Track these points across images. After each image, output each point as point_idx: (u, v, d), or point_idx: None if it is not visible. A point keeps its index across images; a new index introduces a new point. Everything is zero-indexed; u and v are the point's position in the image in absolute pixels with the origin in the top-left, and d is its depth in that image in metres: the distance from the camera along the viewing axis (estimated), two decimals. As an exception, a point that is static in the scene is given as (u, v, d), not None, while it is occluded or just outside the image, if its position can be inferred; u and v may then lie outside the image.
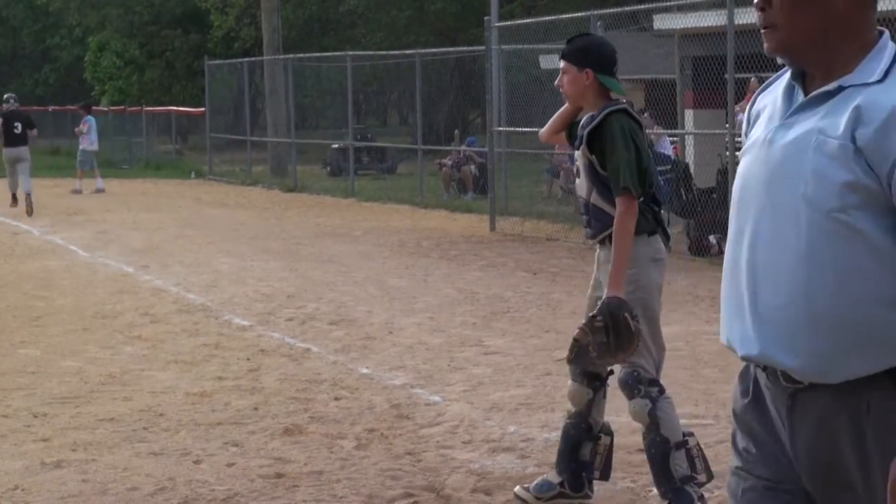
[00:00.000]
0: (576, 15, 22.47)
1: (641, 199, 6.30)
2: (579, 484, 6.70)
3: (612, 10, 22.10)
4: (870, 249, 3.05)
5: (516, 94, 23.42)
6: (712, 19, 18.63)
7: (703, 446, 6.55)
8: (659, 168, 20.32)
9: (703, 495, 6.41)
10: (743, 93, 22.46)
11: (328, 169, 33.86)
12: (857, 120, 3.06)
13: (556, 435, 8.18)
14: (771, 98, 3.37)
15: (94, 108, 49.76)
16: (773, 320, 3.15)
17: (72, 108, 45.83)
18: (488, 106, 22.37)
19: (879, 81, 3.10)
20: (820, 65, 3.20)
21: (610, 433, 6.74)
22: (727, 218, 12.18)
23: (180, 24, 46.79)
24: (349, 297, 14.33)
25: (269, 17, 35.12)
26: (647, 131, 21.41)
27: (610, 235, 6.30)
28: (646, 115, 22.52)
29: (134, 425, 8.64)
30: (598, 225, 6.44)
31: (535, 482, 6.79)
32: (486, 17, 23.42)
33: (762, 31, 3.27)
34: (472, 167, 27.07)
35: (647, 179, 6.32)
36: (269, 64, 34.15)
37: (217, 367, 10.64)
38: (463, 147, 28.50)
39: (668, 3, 22.09)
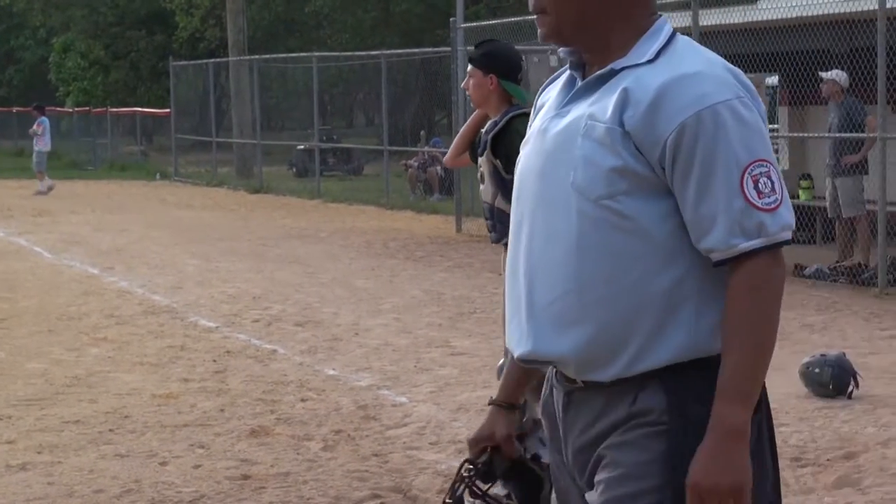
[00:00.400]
0: (541, 16, 22.43)
1: None
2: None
3: (577, 12, 22.06)
4: (642, 237, 2.96)
5: (482, 94, 23.35)
6: (677, 21, 18.64)
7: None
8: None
9: None
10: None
11: (294, 170, 33.82)
12: (624, 102, 2.97)
13: (522, 435, 8.21)
14: (555, 90, 3.24)
15: (58, 109, 49.79)
16: (546, 316, 3.05)
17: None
18: (454, 107, 22.39)
19: (650, 62, 3.02)
20: (595, 50, 3.10)
21: None
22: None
23: (145, 24, 46.68)
24: (315, 298, 14.32)
25: (234, 18, 35.07)
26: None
27: None
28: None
29: (100, 427, 8.62)
30: (503, 228, 6.41)
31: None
32: (451, 19, 23.41)
33: (535, 17, 3.17)
34: (438, 168, 27.06)
35: None
36: (234, 65, 34.11)
37: (183, 368, 10.62)
38: (429, 148, 28.49)
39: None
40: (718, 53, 12.07)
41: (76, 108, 47.12)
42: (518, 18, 24.71)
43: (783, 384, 9.33)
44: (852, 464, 7.48)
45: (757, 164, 2.93)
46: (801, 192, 18.70)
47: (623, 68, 3.02)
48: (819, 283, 14.83)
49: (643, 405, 2.96)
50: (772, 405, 8.82)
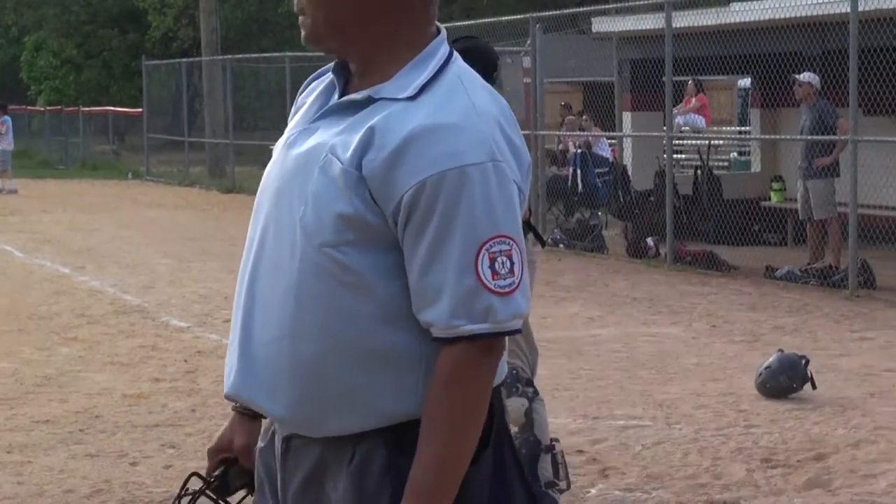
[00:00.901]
0: (515, 17, 22.54)
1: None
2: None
3: (550, 13, 22.18)
4: (365, 293, 2.65)
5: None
6: (651, 22, 18.74)
7: (563, 457, 6.50)
8: (597, 170, 20.55)
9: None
10: (681, 95, 22.67)
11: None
12: (367, 143, 2.62)
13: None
14: (315, 93, 2.93)
15: (30, 108, 49.60)
16: (260, 358, 2.77)
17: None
18: (427, 107, 22.36)
19: (411, 98, 2.66)
20: (356, 62, 2.80)
21: (557, 441, 6.68)
22: (665, 219, 12.35)
23: (118, 23, 46.57)
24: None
25: (207, 18, 35.06)
26: (585, 133, 21.60)
27: None
28: (584, 117, 22.66)
29: (70, 427, 8.59)
30: None
31: None
32: (424, 19, 23.38)
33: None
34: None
35: None
36: (207, 65, 34.07)
37: (154, 368, 10.60)
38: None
39: (606, 7, 22.21)
40: (692, 55, 12.17)
41: (48, 107, 46.98)
42: (491, 20, 24.79)
43: (755, 391, 9.38)
44: (822, 465, 7.50)
45: (498, 240, 2.60)
46: (772, 194, 18.79)
47: (381, 98, 2.69)
48: (790, 285, 14.88)
49: (361, 461, 2.72)
50: (743, 407, 8.92)
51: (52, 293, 14.75)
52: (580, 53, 22.93)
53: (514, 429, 6.31)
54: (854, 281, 14.22)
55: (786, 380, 9.18)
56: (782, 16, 16.72)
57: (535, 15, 20.67)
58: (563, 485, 6.43)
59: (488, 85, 2.80)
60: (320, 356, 2.68)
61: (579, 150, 20.81)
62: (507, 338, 2.69)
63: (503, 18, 23.80)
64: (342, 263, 2.63)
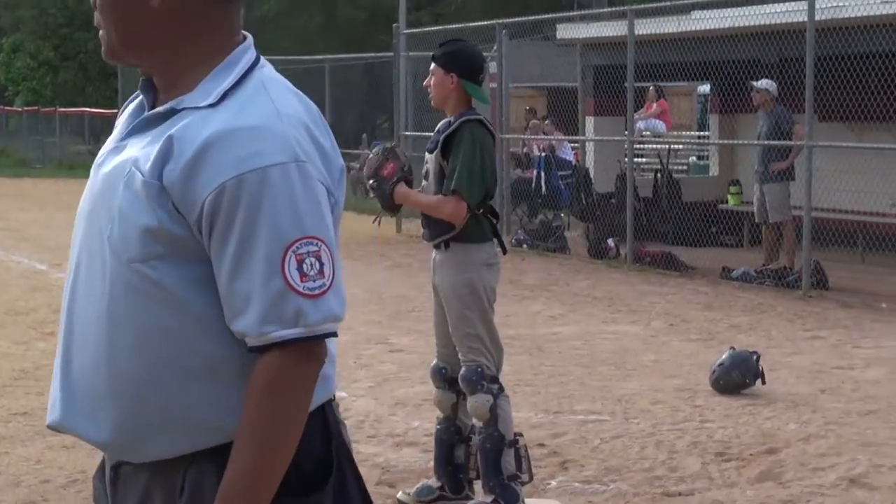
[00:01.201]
0: (482, 23, 22.55)
1: (480, 210, 6.38)
2: (458, 486, 6.71)
3: (516, 20, 22.15)
4: (175, 308, 2.52)
5: (423, 99, 23.27)
6: (613, 29, 18.79)
7: (527, 451, 6.56)
8: (560, 173, 20.62)
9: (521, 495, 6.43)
10: (642, 101, 22.72)
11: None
12: (167, 153, 2.49)
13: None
14: (125, 113, 2.79)
15: (7, 108, 49.29)
16: (79, 384, 2.62)
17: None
18: (396, 111, 22.41)
19: (212, 105, 2.54)
20: (158, 76, 2.68)
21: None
22: (625, 221, 12.44)
23: (93, 26, 46.27)
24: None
25: (182, 21, 34.92)
26: (549, 137, 21.62)
27: (446, 241, 6.40)
28: (548, 121, 22.71)
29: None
30: (436, 229, 6.48)
31: (416, 487, 6.80)
32: (394, 25, 23.42)
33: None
34: (380, 170, 27.05)
35: (487, 192, 6.38)
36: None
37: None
38: (370, 150, 28.46)
39: (571, 14, 22.28)
40: (653, 62, 12.25)
41: (25, 108, 46.71)
42: (459, 25, 24.79)
43: (710, 387, 9.44)
44: (774, 458, 7.55)
45: (304, 241, 2.49)
46: (730, 197, 18.87)
47: (184, 108, 2.56)
48: (745, 285, 14.95)
49: (192, 490, 2.57)
50: (699, 403, 8.96)
51: (30, 289, 14.73)
52: (545, 59, 22.98)
53: (478, 424, 6.38)
54: (807, 282, 14.30)
55: (738, 375, 9.25)
56: (741, 24, 16.79)
57: (501, 21, 20.69)
58: (525, 477, 6.48)
59: (297, 90, 2.67)
60: (139, 376, 2.55)
61: (543, 154, 20.86)
62: (326, 342, 2.58)
63: (470, 24, 23.79)
64: (152, 279, 2.51)
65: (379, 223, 6.95)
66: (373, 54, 27.64)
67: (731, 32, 16.90)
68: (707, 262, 16.21)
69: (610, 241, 17.50)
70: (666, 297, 14.28)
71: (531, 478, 6.59)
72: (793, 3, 15.53)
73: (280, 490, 2.52)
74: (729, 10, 17.71)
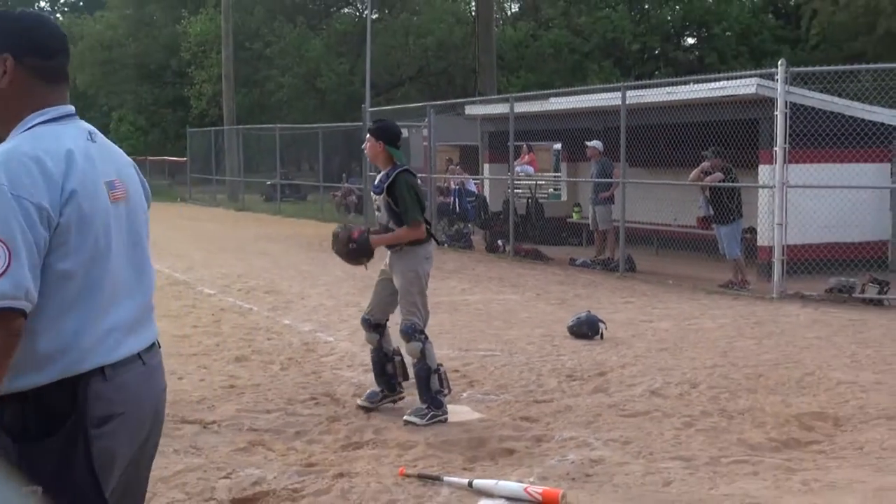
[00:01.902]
0: (418, 104, 22.47)
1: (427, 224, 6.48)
2: (393, 388, 6.74)
3: (439, 102, 22.12)
4: None
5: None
6: (500, 109, 18.78)
7: (446, 375, 6.53)
8: (468, 199, 20.53)
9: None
10: (518, 154, 22.71)
11: (264, 197, 33.29)
12: None
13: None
14: None
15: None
16: None
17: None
18: (364, 159, 22.26)
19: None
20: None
21: (399, 354, 6.72)
22: (509, 229, 12.24)
23: (171, 105, 45.64)
24: (277, 276, 14.16)
25: (227, 103, 34.59)
26: (460, 176, 21.37)
27: (400, 247, 6.43)
28: (458, 166, 22.61)
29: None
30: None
31: (366, 393, 6.79)
32: (363, 105, 23.34)
33: None
34: (354, 197, 26.90)
35: (423, 210, 6.43)
36: (227, 131, 33.55)
37: (193, 319, 10.44)
38: (347, 185, 28.33)
39: (474, 99, 22.22)
40: (523, 130, 12.20)
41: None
42: (403, 105, 24.70)
43: (564, 333, 9.43)
44: (603, 378, 7.57)
45: None
46: (574, 214, 18.92)
47: None
48: (584, 270, 15.00)
49: None
50: (556, 343, 8.89)
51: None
52: (458, 127, 22.89)
53: (413, 359, 6.37)
54: (623, 267, 14.36)
55: (587, 330, 9.25)
56: (580, 106, 16.84)
57: (430, 103, 20.65)
58: (445, 391, 6.47)
59: (47, 140, 2.32)
60: None
61: (456, 187, 20.80)
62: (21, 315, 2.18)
63: (410, 105, 23.77)
64: None
65: (366, 267, 6.84)
66: (349, 124, 27.45)
67: (574, 111, 16.94)
68: (560, 255, 16.25)
69: (499, 242, 17.50)
70: (534, 277, 14.29)
71: (450, 391, 6.59)
72: (613, 93, 15.58)
73: (20, 436, 2.24)
74: (573, 97, 17.78)
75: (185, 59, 41.41)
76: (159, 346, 2.64)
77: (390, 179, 6.41)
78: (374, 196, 6.65)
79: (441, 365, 6.54)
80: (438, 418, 6.32)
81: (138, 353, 2.46)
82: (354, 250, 6.55)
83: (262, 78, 40.18)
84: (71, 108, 2.46)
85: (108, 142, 2.57)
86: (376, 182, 6.61)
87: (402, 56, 39.28)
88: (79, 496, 2.29)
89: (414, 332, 6.34)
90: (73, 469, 2.27)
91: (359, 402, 6.75)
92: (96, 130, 2.52)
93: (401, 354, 6.74)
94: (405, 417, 6.32)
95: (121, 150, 2.63)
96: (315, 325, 10.17)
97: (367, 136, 6.58)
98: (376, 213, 6.68)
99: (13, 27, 2.40)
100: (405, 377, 6.74)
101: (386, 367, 6.72)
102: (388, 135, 6.52)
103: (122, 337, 2.40)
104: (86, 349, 2.31)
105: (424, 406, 6.36)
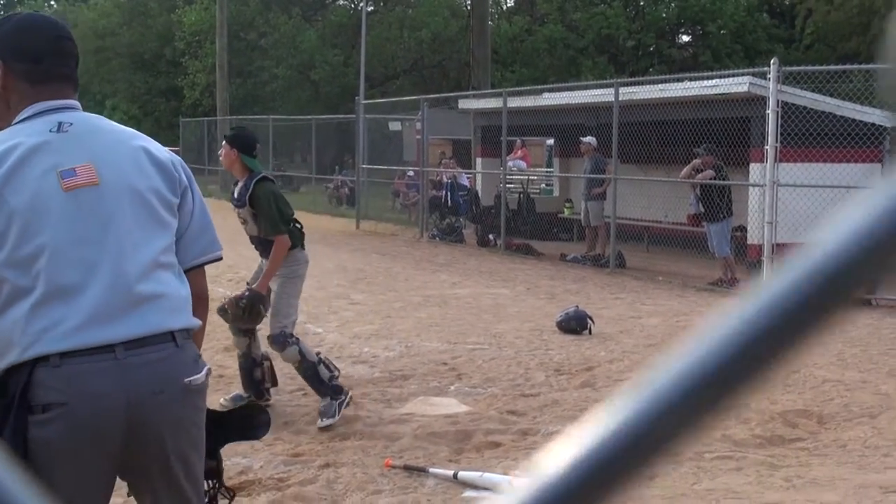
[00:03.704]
0: (412, 97, 22.47)
1: (294, 227, 6.32)
2: (261, 394, 6.66)
3: (433, 96, 22.13)
4: None
5: (373, 144, 23.38)
6: (493, 103, 18.80)
7: (327, 359, 6.47)
8: (460, 193, 20.55)
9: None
10: (511, 148, 22.74)
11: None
12: None
13: (392, 354, 8.21)
14: None
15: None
16: None
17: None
18: (357, 151, 22.29)
19: None
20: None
21: (268, 359, 6.68)
22: (500, 224, 12.27)
23: (164, 95, 45.60)
24: (267, 267, 14.13)
25: (221, 93, 34.53)
26: (453, 170, 21.40)
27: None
28: (452, 160, 22.64)
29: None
30: (264, 249, 6.40)
31: (230, 395, 6.70)
32: (356, 97, 23.34)
33: None
34: (346, 189, 26.91)
35: (287, 217, 6.28)
36: (220, 122, 33.53)
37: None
38: (340, 177, 28.33)
39: (467, 93, 22.23)
40: (516, 125, 12.25)
41: (119, 146, 45.94)
42: (397, 98, 24.71)
43: (553, 327, 9.47)
44: (590, 373, 7.60)
45: None
46: (565, 209, 18.95)
47: None
48: (575, 265, 15.04)
49: None
50: (545, 338, 8.90)
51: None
52: (451, 121, 22.92)
53: (294, 364, 6.34)
54: (613, 263, 14.40)
55: (575, 325, 9.28)
56: (574, 101, 16.87)
57: (424, 97, 20.65)
58: (336, 373, 6.40)
59: (14, 132, 2.41)
60: None
61: (449, 181, 20.82)
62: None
63: (404, 98, 23.77)
64: None
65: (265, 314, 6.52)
66: (342, 116, 27.46)
67: (567, 107, 16.97)
68: (551, 250, 16.29)
69: (491, 236, 17.53)
70: (525, 271, 14.32)
71: (339, 371, 6.48)
72: (605, 89, 15.62)
73: None
74: (565, 92, 17.80)
75: (180, 49, 41.37)
76: (177, 345, 2.43)
77: (250, 191, 6.27)
78: (236, 210, 6.47)
79: (319, 352, 6.54)
80: (345, 403, 6.26)
81: (111, 346, 2.30)
82: (248, 305, 6.27)
83: (256, 69, 40.14)
84: (53, 103, 2.45)
85: (98, 127, 2.53)
86: (236, 195, 6.43)
87: (396, 49, 39.27)
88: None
89: (285, 339, 6.24)
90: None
91: (221, 401, 6.54)
92: (81, 119, 2.49)
93: (269, 359, 6.69)
94: (318, 425, 6.10)
95: (123, 133, 2.57)
96: (304, 316, 10.13)
97: (224, 143, 6.46)
98: (243, 226, 6.54)
99: (2, 33, 2.46)
100: (274, 383, 6.73)
101: (255, 373, 6.65)
102: (242, 143, 6.39)
103: (76, 327, 2.28)
104: (29, 342, 2.26)
105: (326, 400, 6.26)
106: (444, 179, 21.13)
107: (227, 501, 2.77)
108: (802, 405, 6.67)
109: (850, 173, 13.37)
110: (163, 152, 2.62)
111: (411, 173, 22.52)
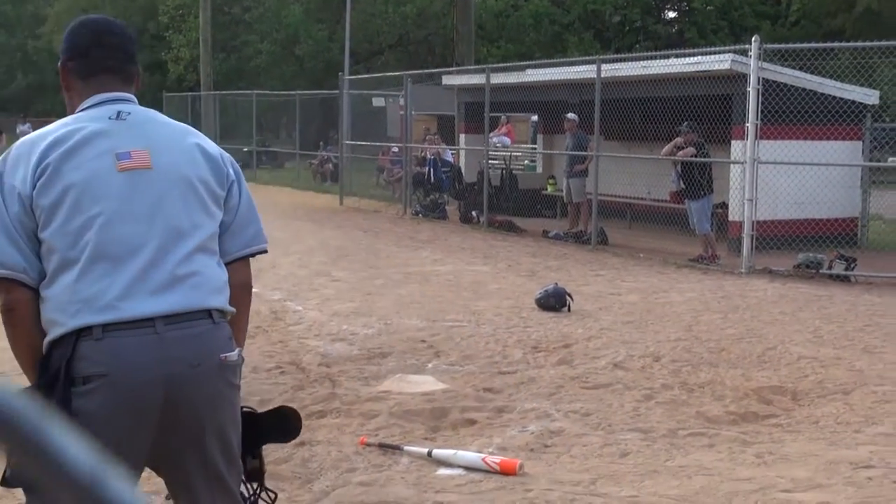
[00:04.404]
0: (396, 73, 22.39)
1: None
2: None
3: (417, 72, 22.06)
4: None
5: (357, 120, 23.32)
6: (477, 79, 18.75)
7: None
8: (443, 169, 20.54)
9: None
10: (495, 125, 22.72)
11: (241, 163, 32.92)
12: None
13: (371, 331, 8.21)
14: None
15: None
16: None
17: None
18: (341, 127, 22.23)
19: None
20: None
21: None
22: (483, 200, 12.32)
23: (148, 69, 45.25)
24: (249, 244, 14.08)
25: (205, 68, 34.23)
26: (437, 146, 21.37)
27: None
28: (436, 135, 22.61)
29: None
30: None
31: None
32: (340, 73, 23.25)
33: None
34: (330, 165, 26.84)
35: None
36: (204, 97, 33.30)
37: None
38: (324, 153, 28.25)
39: (451, 69, 22.17)
40: (500, 101, 12.29)
41: None
42: (381, 74, 24.62)
43: (532, 305, 9.49)
44: (568, 350, 7.62)
45: None
46: (548, 186, 18.95)
47: None
48: (557, 242, 15.07)
49: None
50: (523, 315, 8.94)
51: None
52: (435, 97, 22.86)
53: None
54: (595, 240, 14.43)
55: (554, 302, 9.30)
56: (556, 78, 16.85)
57: (407, 73, 20.58)
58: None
59: (57, 126, 2.54)
60: None
61: (432, 157, 20.79)
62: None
63: (388, 74, 23.68)
64: None
65: None
66: (327, 91, 27.34)
67: (550, 83, 16.95)
68: (533, 226, 16.31)
69: (473, 213, 17.53)
70: (507, 248, 14.34)
71: None
72: (588, 66, 15.60)
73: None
74: (549, 69, 17.78)
75: (163, 23, 41.04)
76: (213, 322, 2.49)
77: None
78: None
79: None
80: None
81: (152, 320, 2.39)
82: None
83: (240, 43, 39.89)
84: (108, 95, 2.61)
85: (153, 119, 2.66)
86: None
87: (381, 24, 39.05)
88: None
89: None
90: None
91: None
92: (138, 110, 2.63)
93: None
94: None
95: (176, 127, 2.68)
96: (285, 293, 10.18)
97: None
98: None
99: (64, 38, 2.69)
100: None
101: None
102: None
103: (117, 298, 2.38)
104: (75, 310, 2.37)
105: None
106: (428, 155, 21.11)
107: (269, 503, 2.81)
108: (777, 381, 6.72)
109: (832, 151, 13.41)
110: (213, 147, 2.71)
111: (395, 149, 22.48)
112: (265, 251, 2.79)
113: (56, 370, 2.34)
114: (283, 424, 2.80)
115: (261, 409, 2.85)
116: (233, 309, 2.58)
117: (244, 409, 2.65)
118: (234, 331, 2.57)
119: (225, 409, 2.51)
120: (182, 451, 2.46)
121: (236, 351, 2.54)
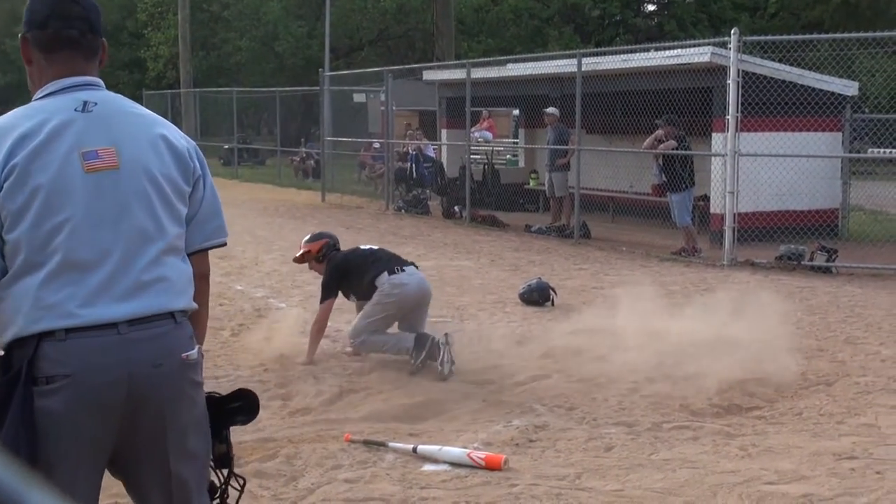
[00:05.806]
0: (377, 69, 22.35)
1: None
2: None
3: (398, 67, 22.02)
4: None
5: (338, 116, 23.26)
6: (458, 74, 18.73)
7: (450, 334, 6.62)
8: (425, 164, 20.53)
9: None
10: (476, 120, 22.70)
11: (222, 161, 33.00)
12: None
13: (355, 328, 8.18)
14: None
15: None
16: None
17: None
18: (322, 123, 22.17)
19: None
20: None
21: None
22: (465, 195, 12.28)
23: (127, 67, 45.05)
24: (231, 241, 13.84)
25: (185, 65, 34.10)
26: (418, 141, 21.36)
27: None
28: (419, 131, 22.58)
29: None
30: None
31: None
32: (320, 69, 23.18)
33: None
34: (312, 161, 26.77)
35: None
36: (184, 95, 33.17)
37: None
38: (306, 149, 28.17)
39: (431, 64, 22.15)
40: (481, 96, 12.25)
41: None
42: (361, 70, 24.55)
43: (515, 299, 9.49)
44: (552, 344, 7.59)
45: None
46: (531, 180, 18.96)
47: None
48: (540, 236, 15.08)
49: None
50: (507, 310, 8.92)
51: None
52: (416, 92, 22.83)
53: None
54: (577, 233, 14.45)
55: (537, 296, 9.31)
56: (537, 72, 16.85)
57: (388, 68, 20.55)
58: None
59: (16, 116, 2.46)
60: None
61: (414, 152, 20.77)
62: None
63: (368, 70, 23.64)
64: None
65: None
66: (307, 88, 27.27)
67: (531, 77, 16.95)
68: (516, 221, 16.32)
69: (456, 208, 17.52)
70: (490, 243, 14.34)
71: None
72: (569, 60, 15.61)
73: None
74: (530, 63, 17.79)
75: (142, 21, 40.85)
76: (176, 322, 2.48)
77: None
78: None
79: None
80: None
81: (115, 324, 2.37)
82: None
83: (219, 41, 39.74)
84: (72, 80, 2.51)
85: (120, 109, 2.57)
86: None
87: (361, 19, 39.00)
88: (11, 449, 2.29)
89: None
90: (10, 421, 2.29)
91: None
92: (105, 99, 2.54)
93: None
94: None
95: (144, 117, 2.61)
96: (268, 290, 10.15)
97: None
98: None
99: (25, 9, 2.56)
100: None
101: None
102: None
103: (82, 305, 2.36)
104: (38, 317, 2.33)
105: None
106: (410, 151, 21.08)
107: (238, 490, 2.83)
108: (761, 374, 6.75)
109: (812, 142, 13.47)
110: (180, 140, 2.68)
111: (377, 145, 22.43)
112: (224, 244, 2.82)
113: (18, 370, 2.31)
114: (246, 404, 2.78)
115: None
116: (195, 305, 2.58)
117: (209, 394, 2.63)
118: (196, 324, 2.58)
119: (189, 409, 2.50)
120: (142, 450, 2.45)
121: (196, 349, 2.54)
